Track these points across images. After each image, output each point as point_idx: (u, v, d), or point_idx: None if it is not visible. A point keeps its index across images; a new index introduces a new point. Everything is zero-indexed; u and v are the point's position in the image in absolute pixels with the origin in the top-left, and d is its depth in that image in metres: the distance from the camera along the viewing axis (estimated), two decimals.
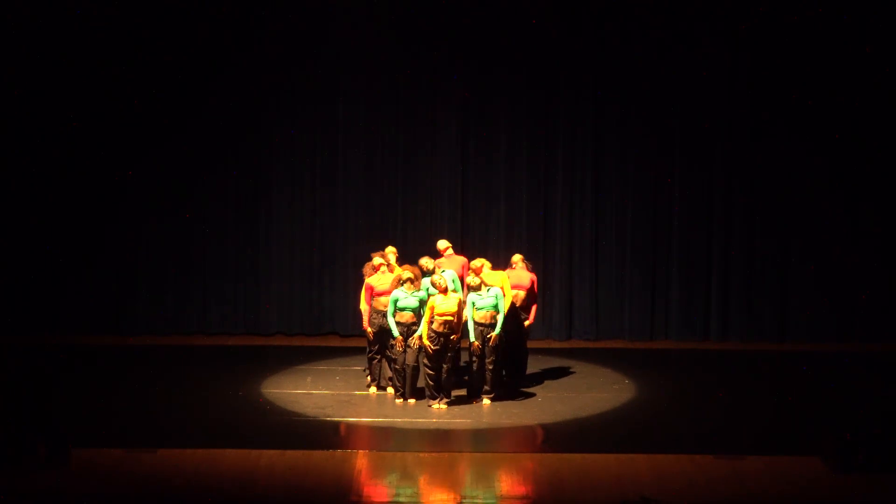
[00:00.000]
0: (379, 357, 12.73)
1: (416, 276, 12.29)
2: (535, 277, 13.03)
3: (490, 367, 12.27)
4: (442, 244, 13.44)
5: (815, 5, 15.15)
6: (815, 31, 15.20)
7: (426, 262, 12.75)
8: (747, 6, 15.23)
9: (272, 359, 14.46)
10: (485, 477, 10.43)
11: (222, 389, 12.96)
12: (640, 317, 15.74)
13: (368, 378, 12.93)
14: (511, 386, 12.75)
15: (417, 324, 12.20)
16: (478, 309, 12.21)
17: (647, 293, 15.73)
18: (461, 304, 12.22)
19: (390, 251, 13.09)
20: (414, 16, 15.43)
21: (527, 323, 12.88)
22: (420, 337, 12.13)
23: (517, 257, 13.10)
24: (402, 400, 12.37)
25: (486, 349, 12.24)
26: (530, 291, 12.88)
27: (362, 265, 13.13)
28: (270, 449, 10.82)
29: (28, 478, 9.95)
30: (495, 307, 12.22)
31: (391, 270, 12.67)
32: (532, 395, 12.82)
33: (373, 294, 12.65)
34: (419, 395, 12.39)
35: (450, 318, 12.06)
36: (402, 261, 13.06)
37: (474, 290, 12.24)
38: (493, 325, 12.21)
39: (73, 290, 15.49)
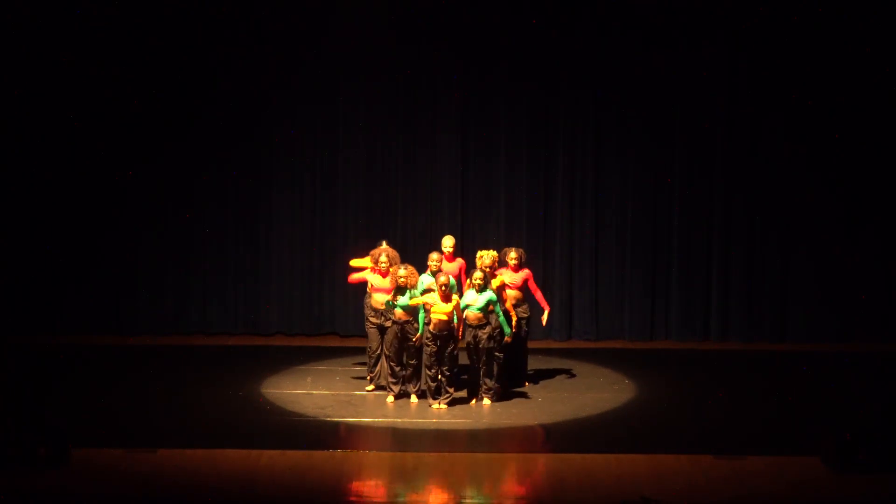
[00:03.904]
0: (378, 355, 12.75)
1: (410, 273, 12.25)
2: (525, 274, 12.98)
3: (484, 368, 12.25)
4: (446, 244, 13.05)
5: (815, 5, 15.14)
6: (815, 31, 15.19)
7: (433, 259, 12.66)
8: (747, 6, 15.23)
9: (272, 359, 14.45)
10: (485, 477, 10.43)
11: (222, 389, 12.96)
12: (640, 317, 15.74)
13: (369, 377, 12.94)
14: (510, 386, 12.76)
15: (413, 321, 12.21)
16: (470, 309, 12.19)
17: (647, 293, 15.72)
18: (456, 307, 12.17)
19: (384, 251, 12.93)
20: (414, 16, 15.42)
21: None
22: (419, 337, 12.15)
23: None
24: (392, 399, 12.39)
25: (479, 350, 12.23)
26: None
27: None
28: (270, 449, 10.83)
29: (28, 478, 9.95)
30: (483, 310, 12.18)
31: (386, 274, 12.60)
32: (532, 395, 12.82)
33: (370, 290, 12.68)
34: (420, 395, 12.41)
35: (445, 318, 12.06)
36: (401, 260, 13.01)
37: (474, 289, 12.21)
38: (482, 327, 12.18)
39: (73, 290, 15.49)
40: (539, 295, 13.00)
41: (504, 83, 15.58)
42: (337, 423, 11.81)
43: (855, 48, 15.15)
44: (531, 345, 13.42)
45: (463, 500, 9.85)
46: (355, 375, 13.43)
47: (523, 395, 12.78)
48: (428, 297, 12.13)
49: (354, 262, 13.08)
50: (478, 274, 12.19)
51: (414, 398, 12.39)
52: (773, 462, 10.61)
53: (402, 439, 11.41)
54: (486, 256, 12.56)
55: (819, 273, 15.58)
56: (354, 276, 12.95)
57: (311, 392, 12.86)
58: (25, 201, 15.33)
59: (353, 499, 9.85)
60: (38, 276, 15.38)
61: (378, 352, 12.75)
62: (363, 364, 13.35)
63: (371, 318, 12.71)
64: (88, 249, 15.49)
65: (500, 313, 12.23)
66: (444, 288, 12.03)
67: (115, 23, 15.11)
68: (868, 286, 15.51)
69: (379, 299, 12.55)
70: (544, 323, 13.20)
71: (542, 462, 10.85)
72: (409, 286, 12.23)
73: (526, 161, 15.70)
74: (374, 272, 12.74)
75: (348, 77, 15.56)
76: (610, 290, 15.79)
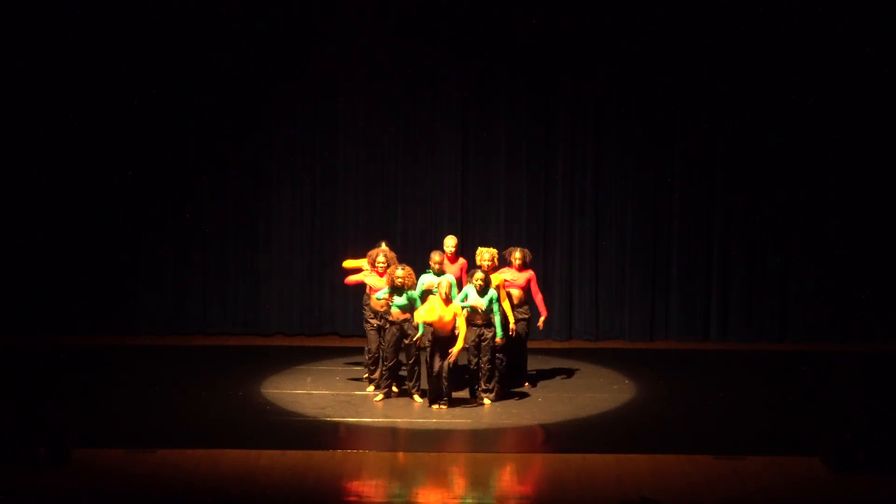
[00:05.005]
0: (377, 356, 12.73)
1: (408, 273, 12.25)
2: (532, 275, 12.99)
3: (486, 367, 12.25)
4: (449, 244, 13.05)
5: (815, 5, 15.15)
6: (815, 31, 15.19)
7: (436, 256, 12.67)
8: (747, 6, 15.23)
9: (272, 359, 14.45)
10: (485, 477, 10.43)
11: (222, 389, 12.97)
12: (640, 317, 15.74)
13: (366, 377, 12.94)
14: (510, 386, 12.76)
15: (411, 321, 12.21)
16: (475, 307, 12.18)
17: (647, 293, 15.72)
18: (457, 313, 12.15)
19: (382, 251, 12.93)
20: (414, 16, 15.42)
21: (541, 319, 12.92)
22: (419, 338, 12.15)
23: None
24: (381, 397, 12.41)
25: (482, 348, 12.23)
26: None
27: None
28: (270, 449, 10.82)
29: (28, 478, 9.95)
30: (489, 309, 12.18)
31: (383, 275, 12.59)
32: (532, 395, 12.82)
33: (369, 291, 12.68)
34: (422, 394, 12.41)
35: (447, 321, 12.06)
36: (399, 261, 12.99)
37: (474, 287, 12.20)
38: (488, 326, 12.19)
39: (72, 290, 15.49)
40: (539, 298, 12.98)
41: (504, 83, 15.58)
42: (337, 423, 11.81)
43: (855, 48, 15.15)
44: (531, 345, 13.41)
45: (463, 500, 9.85)
46: (354, 376, 13.42)
47: (523, 395, 12.78)
48: (428, 310, 12.05)
49: (347, 264, 13.03)
50: (479, 275, 12.18)
51: (417, 398, 12.39)
52: (773, 462, 10.61)
53: (402, 439, 11.41)
54: (485, 253, 12.56)
55: (819, 273, 15.57)
56: (352, 278, 12.92)
57: (311, 392, 12.86)
58: (25, 201, 15.33)
59: (352, 499, 9.85)
60: (38, 276, 15.37)
61: (377, 354, 12.74)
62: (357, 364, 13.39)
63: (370, 320, 12.71)
64: (88, 249, 15.48)
65: (498, 313, 12.22)
66: (445, 293, 12.03)
67: (115, 22, 15.11)
68: (868, 286, 15.51)
69: (377, 300, 12.51)
70: (541, 327, 13.17)
71: (542, 462, 10.85)
72: (406, 287, 12.22)
73: (526, 161, 15.70)
74: (372, 273, 12.73)
75: (348, 77, 15.56)
76: (610, 290, 15.79)
